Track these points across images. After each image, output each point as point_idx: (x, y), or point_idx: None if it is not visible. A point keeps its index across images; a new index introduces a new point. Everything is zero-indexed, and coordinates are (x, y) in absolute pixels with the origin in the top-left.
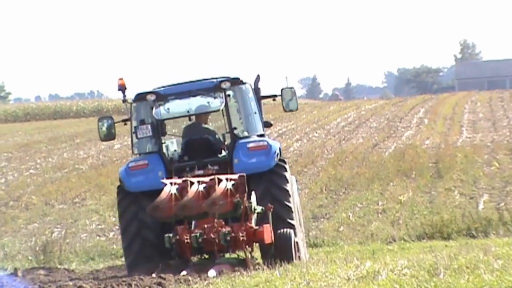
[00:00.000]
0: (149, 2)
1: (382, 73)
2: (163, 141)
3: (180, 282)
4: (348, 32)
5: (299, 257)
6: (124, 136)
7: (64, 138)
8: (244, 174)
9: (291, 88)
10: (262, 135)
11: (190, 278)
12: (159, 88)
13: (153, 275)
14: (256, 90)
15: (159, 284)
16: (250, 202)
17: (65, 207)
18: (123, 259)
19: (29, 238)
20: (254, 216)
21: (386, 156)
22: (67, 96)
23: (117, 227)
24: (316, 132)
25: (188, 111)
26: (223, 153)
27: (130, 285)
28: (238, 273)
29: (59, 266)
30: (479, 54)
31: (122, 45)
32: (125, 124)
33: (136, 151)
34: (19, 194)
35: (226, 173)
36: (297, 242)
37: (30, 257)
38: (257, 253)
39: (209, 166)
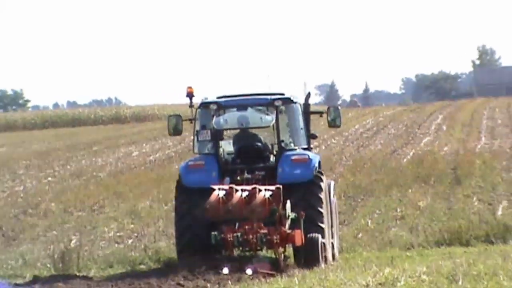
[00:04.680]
0: (161, 9)
1: (400, 80)
2: (220, 145)
3: None
4: (366, 38)
5: (326, 258)
6: (143, 143)
7: (82, 146)
8: (280, 186)
9: (337, 107)
10: (306, 149)
11: (208, 285)
12: (220, 97)
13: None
14: (306, 106)
15: None
16: (285, 210)
17: (84, 215)
18: (141, 266)
19: (48, 246)
20: (288, 222)
21: (404, 162)
22: (85, 103)
23: (135, 234)
24: (334, 139)
25: (242, 124)
26: (271, 160)
27: None
28: (257, 280)
29: (77, 274)
30: (499, 60)
31: (140, 51)
32: (191, 122)
33: (196, 151)
34: (37, 201)
35: (271, 179)
36: (325, 245)
37: (48, 265)
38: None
39: (257, 172)
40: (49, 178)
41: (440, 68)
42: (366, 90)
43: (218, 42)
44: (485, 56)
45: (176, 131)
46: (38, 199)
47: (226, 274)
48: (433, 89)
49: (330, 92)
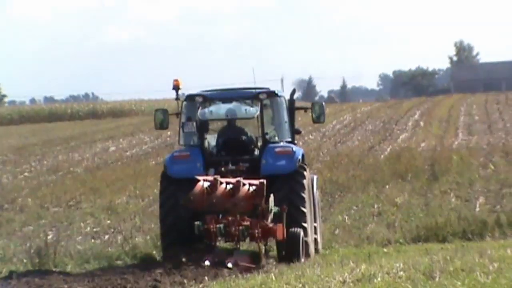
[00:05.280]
0: (139, 5)
1: (378, 76)
2: (205, 137)
3: (175, 285)
4: (343, 34)
5: (308, 248)
6: (119, 139)
7: (59, 141)
8: (264, 181)
9: (322, 103)
10: (290, 142)
11: (185, 281)
12: (206, 91)
13: (183, 259)
14: (291, 101)
15: (154, 286)
16: (267, 204)
17: (60, 210)
18: (118, 261)
19: (24, 241)
20: (271, 216)
21: (381, 158)
22: (62, 98)
23: (112, 229)
24: (311, 135)
25: (227, 115)
26: (255, 152)
27: (125, 287)
28: (234, 276)
29: (54, 269)
30: (477, 56)
31: (117, 47)
32: (177, 117)
33: (182, 142)
34: (14, 197)
35: (255, 171)
36: (305, 241)
37: (25, 260)
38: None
39: (241, 164)
40: (26, 174)
41: (417, 64)
42: (343, 86)
43: (196, 37)
44: (463, 52)
45: (162, 125)
46: (15, 194)
47: (208, 266)
48: (411, 85)
49: (308, 88)
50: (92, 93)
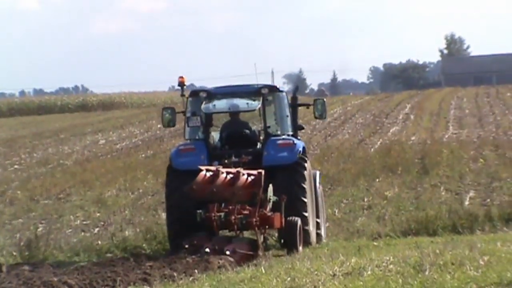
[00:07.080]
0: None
1: (368, 69)
2: (209, 131)
3: (165, 278)
4: (333, 26)
5: (309, 235)
6: (109, 131)
7: (48, 133)
8: (262, 171)
9: (323, 100)
10: (292, 135)
11: (175, 274)
12: (211, 88)
13: (186, 246)
14: (294, 98)
15: (144, 279)
16: (266, 193)
17: (50, 203)
18: (108, 254)
19: (14, 234)
20: (270, 205)
21: (372, 152)
22: (52, 90)
23: (102, 222)
24: None
25: (229, 109)
26: (258, 145)
27: (115, 280)
28: (223, 269)
29: (44, 262)
30: (467, 49)
31: (108, 39)
32: (184, 115)
33: (187, 137)
34: (3, 189)
35: (257, 163)
36: (306, 230)
37: (14, 253)
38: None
39: (244, 156)
40: (15, 166)
41: (408, 57)
42: (333, 79)
43: (184, 29)
44: (453, 46)
45: (169, 122)
46: (4, 187)
47: (207, 253)
48: (401, 78)
49: (298, 81)
50: (82, 86)
